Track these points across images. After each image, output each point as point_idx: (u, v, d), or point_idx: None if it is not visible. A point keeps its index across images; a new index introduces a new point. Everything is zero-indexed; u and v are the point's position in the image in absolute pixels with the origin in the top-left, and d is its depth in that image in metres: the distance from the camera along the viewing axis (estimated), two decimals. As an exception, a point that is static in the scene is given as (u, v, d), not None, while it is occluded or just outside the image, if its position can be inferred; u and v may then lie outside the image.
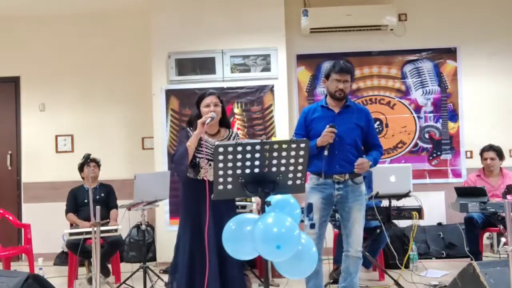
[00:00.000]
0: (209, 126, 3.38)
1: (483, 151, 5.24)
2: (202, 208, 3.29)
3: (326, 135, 3.45)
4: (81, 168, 5.20)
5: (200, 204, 3.33)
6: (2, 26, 6.59)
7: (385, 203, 4.64)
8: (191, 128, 3.48)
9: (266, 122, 5.86)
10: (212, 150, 3.24)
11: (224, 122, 3.59)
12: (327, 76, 3.61)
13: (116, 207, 5.24)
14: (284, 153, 2.59)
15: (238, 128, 5.89)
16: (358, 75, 6.23)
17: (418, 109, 6.18)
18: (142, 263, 4.55)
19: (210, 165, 3.34)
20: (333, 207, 3.65)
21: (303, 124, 3.67)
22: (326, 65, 3.69)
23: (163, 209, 5.66)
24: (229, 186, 2.61)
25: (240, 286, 3.49)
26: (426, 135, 6.16)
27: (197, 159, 3.42)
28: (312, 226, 3.18)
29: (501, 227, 4.66)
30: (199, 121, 3.35)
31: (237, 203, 4.56)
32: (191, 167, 3.43)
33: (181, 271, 3.43)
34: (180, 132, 3.56)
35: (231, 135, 3.59)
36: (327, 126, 3.47)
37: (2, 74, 6.59)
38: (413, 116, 6.17)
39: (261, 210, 2.62)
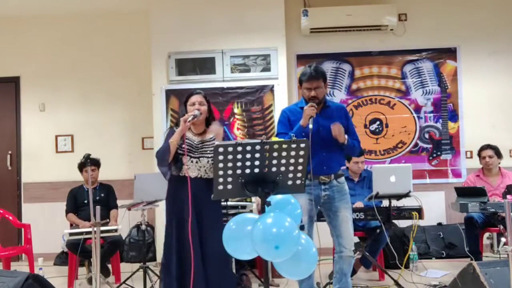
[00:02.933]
0: (193, 123, 3.45)
1: (481, 150, 5.26)
2: (183, 204, 3.39)
3: (307, 109, 3.42)
4: (81, 168, 5.20)
5: (183, 201, 3.41)
6: (2, 26, 6.59)
7: (385, 203, 4.64)
8: (177, 127, 3.52)
9: (266, 122, 5.86)
10: (194, 147, 3.41)
11: (209, 121, 3.63)
12: (300, 83, 3.59)
13: (116, 207, 5.24)
14: (284, 153, 2.59)
15: (238, 128, 5.89)
16: (358, 75, 6.24)
17: (418, 109, 6.18)
18: (142, 263, 4.55)
19: (191, 161, 3.43)
20: (318, 208, 3.65)
21: (287, 123, 3.63)
22: (302, 70, 3.66)
23: (163, 209, 5.60)
24: (229, 186, 2.61)
25: (229, 282, 3.53)
26: (426, 135, 6.16)
27: (180, 156, 3.47)
28: (302, 228, 3.18)
29: (501, 227, 4.66)
30: (182, 118, 3.42)
31: (237, 203, 4.59)
32: (174, 163, 3.47)
33: (170, 270, 3.46)
34: (167, 132, 3.62)
35: (215, 138, 3.63)
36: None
37: (2, 74, 6.59)
38: (413, 116, 6.17)
39: (261, 210, 2.62)
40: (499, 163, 5.21)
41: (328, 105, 3.66)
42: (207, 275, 3.40)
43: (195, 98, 3.54)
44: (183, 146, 3.42)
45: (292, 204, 2.91)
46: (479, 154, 5.28)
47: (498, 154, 5.17)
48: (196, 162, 3.47)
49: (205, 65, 5.90)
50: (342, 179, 3.64)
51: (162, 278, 3.62)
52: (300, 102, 3.70)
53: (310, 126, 3.39)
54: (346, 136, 3.53)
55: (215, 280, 3.41)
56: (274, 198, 2.75)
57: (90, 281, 4.74)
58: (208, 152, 3.48)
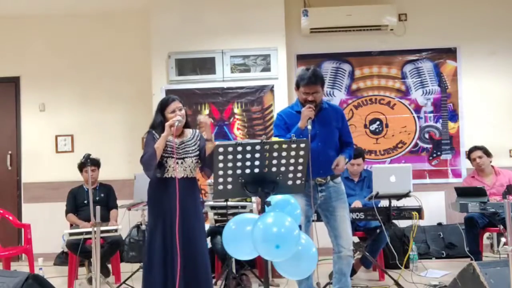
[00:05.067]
0: (175, 130, 3.50)
1: (469, 152, 5.28)
2: (170, 205, 3.47)
3: (306, 111, 3.43)
4: (80, 168, 5.20)
5: (168, 201, 3.50)
6: (2, 26, 6.59)
7: (385, 203, 4.64)
8: (156, 131, 3.59)
9: (266, 122, 5.86)
10: (176, 149, 3.50)
11: (187, 123, 3.70)
12: (297, 85, 3.57)
13: (116, 207, 5.24)
14: (284, 153, 2.60)
15: (238, 128, 5.89)
16: (358, 75, 6.24)
17: (418, 109, 6.18)
18: (142, 263, 4.54)
19: (177, 163, 3.51)
20: (314, 208, 3.64)
21: (284, 126, 3.62)
22: (299, 71, 3.69)
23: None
24: (229, 186, 2.61)
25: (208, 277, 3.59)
26: (426, 135, 6.16)
27: (164, 159, 3.53)
28: (299, 228, 3.18)
29: (501, 227, 4.66)
30: (167, 124, 3.48)
31: (237, 203, 4.59)
32: (158, 166, 3.54)
33: (154, 270, 3.51)
34: (146, 136, 3.66)
35: (195, 134, 3.70)
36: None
37: (2, 74, 6.59)
38: (413, 116, 6.17)
39: (261, 210, 2.62)
40: (491, 162, 5.21)
41: (324, 108, 3.64)
42: (193, 270, 3.46)
43: (174, 105, 3.59)
44: (166, 149, 3.51)
45: (292, 204, 2.91)
46: (469, 157, 5.30)
47: (487, 154, 5.17)
48: (182, 163, 3.53)
49: (205, 65, 5.90)
50: (338, 179, 3.64)
51: (144, 277, 3.64)
52: (295, 105, 3.68)
53: (309, 127, 3.39)
54: (344, 156, 3.54)
55: (199, 276, 3.49)
56: (273, 199, 2.75)
57: (90, 281, 4.73)
58: (190, 151, 3.59)
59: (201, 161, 3.63)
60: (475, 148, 5.22)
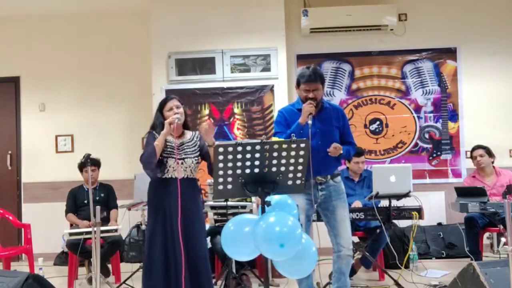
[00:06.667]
0: (174, 127, 3.48)
1: (472, 151, 5.30)
2: (170, 205, 3.45)
3: (306, 106, 3.43)
4: (81, 168, 5.20)
5: (168, 201, 3.48)
6: (2, 26, 6.59)
7: (385, 203, 4.64)
8: (157, 131, 3.57)
9: (266, 122, 5.86)
10: (176, 149, 3.47)
11: (186, 124, 3.69)
12: (298, 83, 3.58)
13: (116, 207, 5.24)
14: (284, 153, 2.60)
15: (238, 128, 5.89)
16: (358, 75, 6.24)
17: (418, 109, 6.18)
18: (142, 263, 4.54)
19: (177, 163, 3.49)
20: (315, 207, 3.65)
21: (285, 123, 3.62)
22: (299, 71, 3.69)
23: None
24: (229, 186, 2.62)
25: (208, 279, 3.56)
26: (426, 135, 6.16)
27: (165, 159, 3.52)
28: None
29: (501, 227, 4.66)
30: (167, 121, 3.47)
31: (237, 203, 4.59)
32: (158, 166, 3.52)
33: (156, 270, 3.49)
34: (147, 136, 3.64)
35: (194, 135, 3.68)
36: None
37: (2, 74, 6.60)
38: (413, 116, 6.17)
39: (261, 210, 2.62)
40: (493, 162, 5.22)
41: (325, 107, 3.65)
42: (194, 271, 3.45)
43: (172, 103, 3.58)
44: (166, 149, 3.49)
45: (289, 205, 2.91)
46: (471, 156, 5.31)
47: (489, 153, 5.19)
48: (182, 164, 3.51)
49: (205, 65, 5.90)
50: (338, 178, 3.65)
51: (144, 280, 3.61)
52: (296, 103, 3.68)
53: (309, 122, 3.40)
54: (342, 146, 3.53)
55: (198, 275, 3.47)
56: (271, 199, 2.75)
57: (90, 281, 4.74)
58: (190, 152, 3.56)
59: (204, 160, 3.63)
60: (478, 147, 5.24)
